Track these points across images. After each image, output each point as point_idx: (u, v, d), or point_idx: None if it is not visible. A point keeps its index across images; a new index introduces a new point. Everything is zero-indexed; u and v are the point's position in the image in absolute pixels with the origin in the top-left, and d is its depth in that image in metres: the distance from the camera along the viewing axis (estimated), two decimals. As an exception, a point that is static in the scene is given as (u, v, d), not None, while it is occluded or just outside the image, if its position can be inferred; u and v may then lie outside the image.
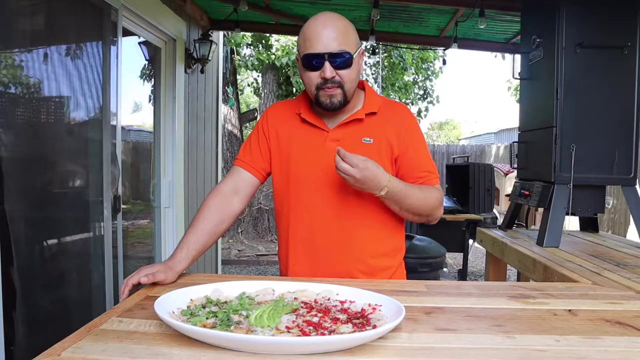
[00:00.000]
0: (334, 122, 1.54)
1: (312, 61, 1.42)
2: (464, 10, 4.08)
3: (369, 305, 1.11)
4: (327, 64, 1.41)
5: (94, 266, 2.79)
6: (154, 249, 3.98)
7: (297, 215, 1.53)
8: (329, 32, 1.41)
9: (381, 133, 1.52)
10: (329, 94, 1.44)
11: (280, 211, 1.61)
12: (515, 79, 2.82)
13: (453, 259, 7.28)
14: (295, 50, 9.02)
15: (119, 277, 2.95)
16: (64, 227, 2.62)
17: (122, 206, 3.06)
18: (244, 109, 12.70)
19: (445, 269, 5.96)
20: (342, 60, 1.41)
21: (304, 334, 0.94)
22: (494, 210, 6.70)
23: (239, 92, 11.01)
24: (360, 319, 1.04)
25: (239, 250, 7.99)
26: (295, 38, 8.94)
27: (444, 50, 5.22)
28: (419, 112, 11.77)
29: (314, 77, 1.44)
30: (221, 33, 5.33)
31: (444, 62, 5.84)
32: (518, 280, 3.30)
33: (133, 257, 3.81)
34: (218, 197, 1.56)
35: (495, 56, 5.45)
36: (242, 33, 8.53)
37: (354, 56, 1.44)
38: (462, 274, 5.56)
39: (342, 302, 1.15)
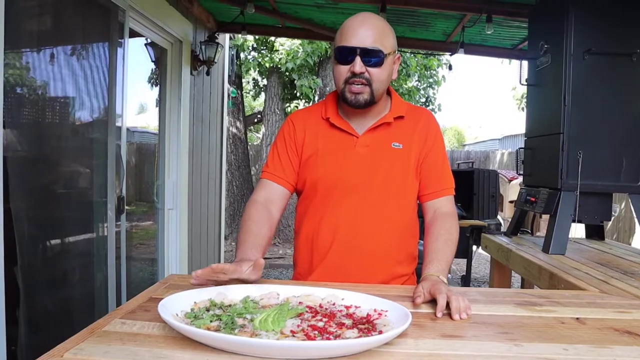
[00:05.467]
0: (363, 126, 1.53)
1: (344, 54, 1.42)
2: (471, 15, 4.07)
3: (375, 310, 1.10)
4: (357, 59, 1.41)
5: (97, 267, 2.78)
6: (157, 251, 3.98)
7: (323, 218, 1.52)
8: (366, 29, 1.41)
9: (409, 138, 1.53)
10: (356, 92, 1.44)
11: (303, 216, 1.59)
12: (522, 85, 2.81)
13: (456, 265, 7.25)
14: (300, 54, 9.09)
15: (121, 278, 2.95)
16: (68, 227, 2.61)
17: (126, 207, 3.06)
18: (248, 112, 12.72)
19: (448, 275, 5.93)
20: (373, 57, 1.41)
21: (309, 338, 0.93)
22: (498, 217, 6.68)
23: (243, 95, 11.03)
24: (366, 324, 1.02)
25: (241, 253, 7.97)
26: (298, 42, 8.97)
27: (451, 55, 5.22)
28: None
29: (344, 70, 1.44)
30: (227, 35, 5.33)
31: (450, 68, 5.84)
32: (522, 287, 3.28)
33: (136, 258, 3.80)
34: (258, 206, 1.51)
35: (502, 62, 5.43)
36: (243, 38, 8.57)
37: (387, 56, 1.43)
38: (466, 280, 5.53)
39: (347, 307, 1.14)
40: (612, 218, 7.14)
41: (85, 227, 2.74)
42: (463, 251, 5.48)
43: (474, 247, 5.52)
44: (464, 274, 5.71)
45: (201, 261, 4.74)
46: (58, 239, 2.54)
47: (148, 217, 4.03)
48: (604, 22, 2.35)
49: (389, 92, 1.60)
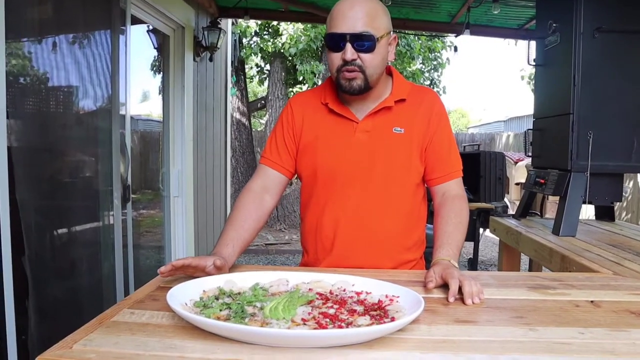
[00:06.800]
0: (363, 111, 1.49)
1: (334, 41, 1.38)
2: (476, -5, 4.01)
3: (386, 296, 1.08)
4: (348, 46, 1.36)
5: (104, 255, 2.78)
6: (164, 238, 3.98)
7: (326, 207, 1.50)
8: (355, 13, 1.36)
9: (411, 122, 1.49)
10: (349, 77, 1.39)
11: (307, 203, 1.57)
12: (530, 65, 2.76)
13: (463, 248, 7.24)
14: (303, 38, 9.01)
15: (129, 266, 2.95)
16: (74, 217, 2.61)
17: (132, 195, 3.05)
18: (252, 97, 12.67)
19: (455, 258, 5.91)
20: (365, 43, 1.36)
21: (321, 326, 0.92)
22: (505, 199, 6.64)
23: (247, 81, 10.97)
24: (378, 311, 1.01)
25: (248, 240, 7.99)
26: (301, 26, 8.89)
27: (456, 36, 5.15)
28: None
29: (336, 58, 1.39)
30: (229, 21, 5.28)
31: (455, 50, 5.76)
32: (530, 269, 3.26)
33: (143, 246, 3.81)
34: (250, 195, 1.51)
35: (508, 44, 5.36)
36: (246, 24, 8.49)
37: (379, 40, 1.38)
38: (473, 263, 5.52)
39: (358, 293, 1.12)
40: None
41: (91, 216, 2.73)
42: (470, 234, 5.45)
43: (481, 230, 5.50)
44: (471, 256, 5.70)
45: (207, 247, 4.75)
46: (64, 228, 2.53)
47: (154, 205, 4.03)
48: (614, -1, 2.30)
49: (390, 73, 1.55)
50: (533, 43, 2.81)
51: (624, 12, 2.29)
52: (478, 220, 5.35)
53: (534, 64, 2.74)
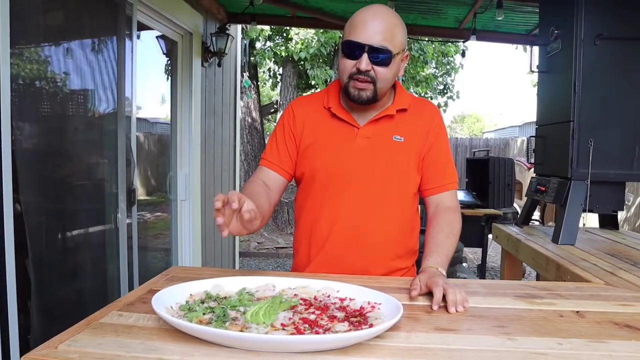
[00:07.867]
0: (365, 118, 1.52)
1: (351, 49, 1.39)
2: (482, 1, 4.00)
3: (368, 303, 1.10)
4: (364, 56, 1.37)
5: (109, 258, 2.82)
6: (171, 242, 4.02)
7: (323, 209, 1.51)
8: (376, 25, 1.37)
9: (411, 131, 1.51)
10: (359, 88, 1.42)
11: (302, 206, 1.58)
12: (533, 71, 2.75)
13: (473, 254, 7.20)
14: (314, 43, 9.05)
15: (134, 270, 2.98)
16: (78, 220, 2.65)
17: (139, 198, 3.09)
18: (264, 101, 12.74)
19: (464, 264, 5.89)
20: (381, 56, 1.38)
21: (299, 331, 0.93)
22: (515, 205, 6.58)
23: (261, 85, 11.03)
24: (358, 317, 1.02)
25: (258, 243, 8.03)
26: (312, 31, 8.92)
27: (463, 42, 5.14)
28: (439, 106, 11.66)
29: (349, 65, 1.41)
30: (239, 26, 5.33)
31: (463, 54, 5.73)
32: (537, 278, 3.24)
33: (149, 249, 3.84)
34: (257, 181, 1.52)
35: (516, 48, 5.33)
36: (260, 28, 8.56)
37: (395, 56, 1.40)
38: (481, 270, 5.48)
39: (341, 300, 1.13)
40: (633, 206, 7.00)
41: (96, 219, 2.77)
42: (478, 240, 5.43)
43: (490, 236, 5.46)
44: (480, 263, 5.66)
45: (215, 252, 4.79)
46: (69, 231, 2.57)
47: (161, 209, 4.07)
48: (614, 6, 2.29)
49: (393, 85, 1.57)
50: (536, 49, 2.80)
51: (624, 19, 2.28)
52: (486, 227, 5.31)
53: (537, 70, 2.74)
